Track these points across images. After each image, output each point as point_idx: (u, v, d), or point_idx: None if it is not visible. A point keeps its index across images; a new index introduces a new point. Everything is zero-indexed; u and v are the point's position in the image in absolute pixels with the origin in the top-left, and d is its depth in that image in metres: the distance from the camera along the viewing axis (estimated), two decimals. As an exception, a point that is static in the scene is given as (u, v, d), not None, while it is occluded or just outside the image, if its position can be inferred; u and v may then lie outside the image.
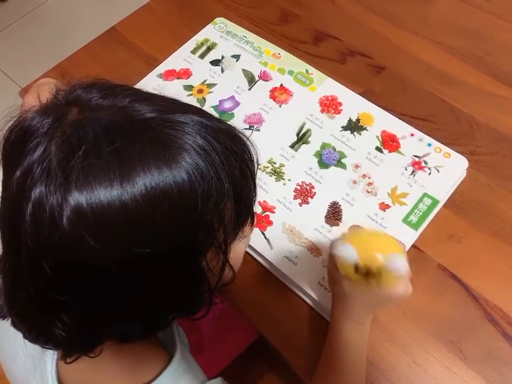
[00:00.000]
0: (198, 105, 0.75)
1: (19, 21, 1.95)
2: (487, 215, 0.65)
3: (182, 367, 0.47)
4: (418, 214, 0.63)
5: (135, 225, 0.32)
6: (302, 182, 0.67)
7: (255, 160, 0.41)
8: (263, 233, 0.63)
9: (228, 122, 0.41)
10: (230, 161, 0.37)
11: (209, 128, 0.36)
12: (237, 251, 0.43)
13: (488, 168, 0.68)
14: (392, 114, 0.72)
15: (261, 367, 0.83)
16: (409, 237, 0.62)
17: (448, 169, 0.66)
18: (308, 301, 0.60)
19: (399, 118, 0.72)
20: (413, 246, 0.62)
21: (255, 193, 0.42)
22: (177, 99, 0.40)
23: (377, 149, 0.69)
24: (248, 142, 0.41)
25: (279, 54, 0.80)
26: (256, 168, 0.42)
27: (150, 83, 0.78)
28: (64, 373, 0.46)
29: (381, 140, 0.70)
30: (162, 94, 0.40)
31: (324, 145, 0.70)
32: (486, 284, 0.60)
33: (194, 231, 0.35)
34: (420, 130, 0.70)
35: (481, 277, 0.61)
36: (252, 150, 0.41)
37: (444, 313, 0.59)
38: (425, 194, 0.64)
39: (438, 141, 0.69)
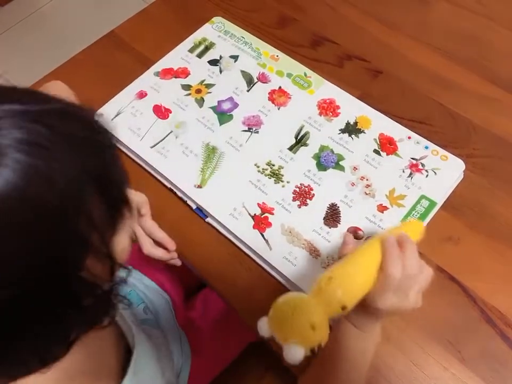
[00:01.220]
0: (196, 105, 0.75)
1: (17, 26, 1.95)
2: (484, 217, 0.65)
3: None
4: (416, 215, 0.63)
5: None
6: (300, 184, 0.67)
7: (110, 138, 0.34)
8: (262, 235, 0.64)
9: (66, 101, 0.32)
10: (75, 149, 0.30)
11: (31, 114, 0.29)
12: (122, 243, 0.37)
13: (484, 171, 0.69)
14: (389, 117, 0.73)
15: (259, 368, 0.83)
16: (407, 238, 0.62)
17: (445, 172, 0.67)
18: (307, 302, 0.60)
19: (396, 121, 0.73)
20: (411, 247, 0.63)
21: (124, 175, 0.35)
22: None
23: (375, 151, 0.69)
24: (96, 118, 0.33)
25: (277, 56, 0.80)
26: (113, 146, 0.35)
27: (147, 81, 0.78)
28: None
29: (378, 142, 0.70)
30: None
31: (322, 148, 0.70)
32: (484, 285, 0.61)
33: (56, 244, 0.29)
34: (417, 133, 0.71)
35: (479, 278, 0.61)
36: (104, 128, 0.34)
37: (442, 314, 0.59)
38: (422, 196, 0.65)
39: (435, 144, 0.70)
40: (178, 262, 0.65)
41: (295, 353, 0.42)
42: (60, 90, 0.69)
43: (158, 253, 0.63)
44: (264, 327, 0.45)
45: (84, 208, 0.30)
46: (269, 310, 0.46)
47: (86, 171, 0.30)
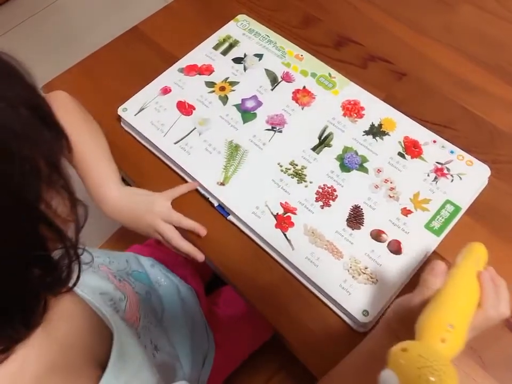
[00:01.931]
0: (220, 103, 0.75)
1: (32, 18, 1.96)
2: (508, 223, 0.65)
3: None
4: (440, 220, 0.63)
5: None
6: (323, 185, 0.67)
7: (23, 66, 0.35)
8: (285, 234, 0.64)
9: None
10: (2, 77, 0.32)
11: None
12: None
13: (509, 177, 0.68)
14: (414, 120, 0.73)
15: (272, 366, 0.83)
16: (431, 242, 0.62)
17: (471, 177, 0.66)
18: (329, 303, 0.60)
19: (421, 124, 0.72)
20: (435, 252, 0.62)
21: (43, 99, 0.36)
22: None
23: (400, 154, 0.69)
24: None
25: (301, 55, 0.80)
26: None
27: (171, 77, 0.78)
28: None
29: (403, 145, 0.70)
30: None
31: (346, 149, 0.70)
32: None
33: (4, 173, 0.29)
34: (441, 137, 0.71)
35: (502, 285, 0.61)
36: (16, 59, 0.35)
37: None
38: (447, 201, 0.64)
39: (460, 149, 0.69)
40: (202, 257, 0.65)
41: None
42: (63, 98, 0.69)
43: (186, 246, 0.64)
44: (392, 382, 0.40)
45: (23, 131, 0.30)
46: (389, 362, 0.40)
47: (17, 96, 0.31)
